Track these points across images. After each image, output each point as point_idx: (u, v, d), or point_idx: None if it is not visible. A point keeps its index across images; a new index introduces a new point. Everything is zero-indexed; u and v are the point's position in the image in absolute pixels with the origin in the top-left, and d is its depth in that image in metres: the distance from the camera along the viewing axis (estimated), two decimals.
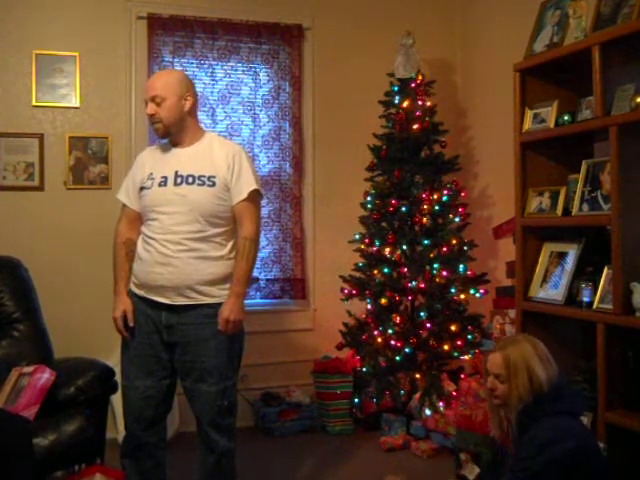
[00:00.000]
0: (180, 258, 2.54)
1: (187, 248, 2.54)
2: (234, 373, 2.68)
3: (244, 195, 2.60)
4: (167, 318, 2.59)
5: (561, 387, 2.20)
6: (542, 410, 2.12)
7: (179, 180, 2.59)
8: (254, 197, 2.64)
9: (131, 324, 2.61)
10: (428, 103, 4.07)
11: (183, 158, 2.64)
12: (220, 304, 2.56)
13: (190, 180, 2.58)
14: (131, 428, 2.67)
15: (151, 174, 2.64)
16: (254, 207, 2.65)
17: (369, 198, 4.06)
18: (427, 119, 4.03)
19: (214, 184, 2.59)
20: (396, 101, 4.08)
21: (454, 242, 3.89)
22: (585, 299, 2.84)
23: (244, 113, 4.32)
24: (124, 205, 2.74)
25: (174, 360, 2.63)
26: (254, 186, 2.62)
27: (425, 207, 3.93)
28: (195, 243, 2.55)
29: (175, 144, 2.69)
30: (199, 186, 2.57)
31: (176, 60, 4.16)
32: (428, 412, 3.81)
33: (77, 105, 4.02)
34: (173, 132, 2.66)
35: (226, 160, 2.62)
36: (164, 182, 2.60)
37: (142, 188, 2.65)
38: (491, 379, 2.23)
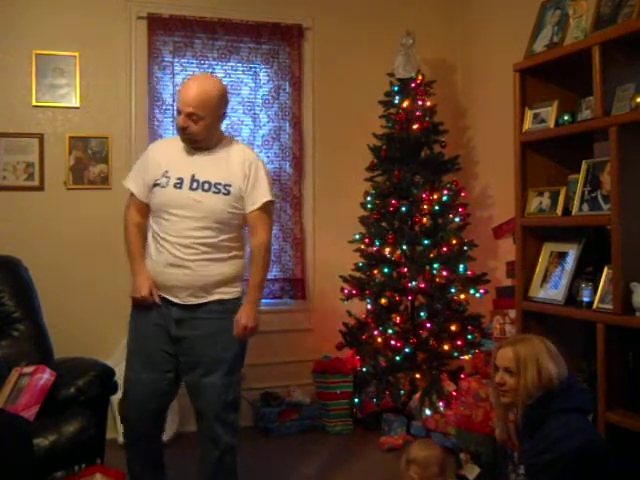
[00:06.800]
0: (193, 261, 2.58)
1: (199, 252, 2.58)
2: (239, 370, 2.71)
3: (258, 205, 2.64)
4: (177, 313, 2.63)
5: (571, 384, 2.21)
6: (555, 406, 2.12)
7: (195, 185, 2.60)
8: (268, 206, 2.68)
9: (157, 299, 2.62)
10: (428, 103, 4.07)
11: (201, 162, 2.64)
12: (229, 300, 2.64)
13: (206, 187, 2.59)
14: (133, 418, 2.69)
15: (166, 172, 2.63)
16: (267, 216, 2.69)
17: (369, 198, 4.06)
18: (427, 119, 4.03)
19: (229, 193, 2.61)
20: (396, 101, 4.08)
21: (454, 242, 3.89)
22: (585, 299, 2.84)
23: (244, 113, 4.32)
24: (132, 194, 2.74)
25: (179, 354, 2.66)
26: (268, 197, 2.66)
27: (425, 207, 3.93)
28: (206, 247, 2.59)
29: (195, 147, 2.67)
30: (214, 194, 2.59)
31: (176, 60, 4.16)
32: (428, 412, 3.81)
33: (77, 105, 4.01)
34: (199, 141, 2.64)
35: (242, 169, 2.64)
36: (179, 184, 2.60)
37: (156, 185, 2.64)
38: (500, 374, 2.23)
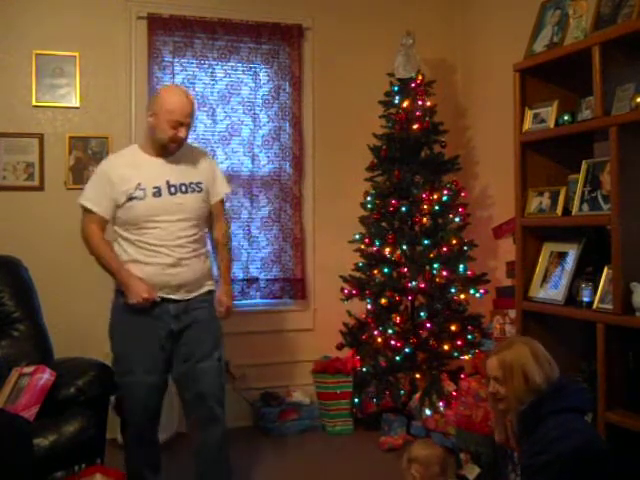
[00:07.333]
0: (189, 259, 2.76)
1: (191, 249, 2.77)
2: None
3: (221, 196, 2.94)
4: (175, 309, 2.76)
5: (563, 385, 2.20)
6: (545, 409, 2.12)
7: (173, 189, 2.75)
8: (224, 197, 3.01)
9: (157, 297, 2.72)
10: (428, 103, 4.07)
11: (170, 167, 2.80)
12: (211, 292, 2.87)
13: (183, 189, 2.77)
14: (137, 421, 2.78)
15: (139, 184, 2.72)
16: (224, 206, 3.02)
17: (369, 198, 4.06)
18: (427, 119, 4.02)
19: (201, 190, 2.83)
20: (396, 101, 4.08)
21: (454, 242, 3.89)
22: (585, 299, 2.84)
23: (244, 113, 4.31)
24: (88, 211, 2.77)
25: (180, 345, 2.77)
26: (228, 190, 2.99)
27: (425, 207, 3.93)
28: (194, 244, 2.79)
29: (158, 154, 2.78)
30: (192, 193, 2.79)
31: (176, 60, 4.16)
32: (428, 412, 3.81)
33: (77, 105, 4.02)
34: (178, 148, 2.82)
35: (205, 165, 2.89)
36: (158, 192, 2.73)
37: (131, 198, 2.71)
38: (492, 383, 2.24)
